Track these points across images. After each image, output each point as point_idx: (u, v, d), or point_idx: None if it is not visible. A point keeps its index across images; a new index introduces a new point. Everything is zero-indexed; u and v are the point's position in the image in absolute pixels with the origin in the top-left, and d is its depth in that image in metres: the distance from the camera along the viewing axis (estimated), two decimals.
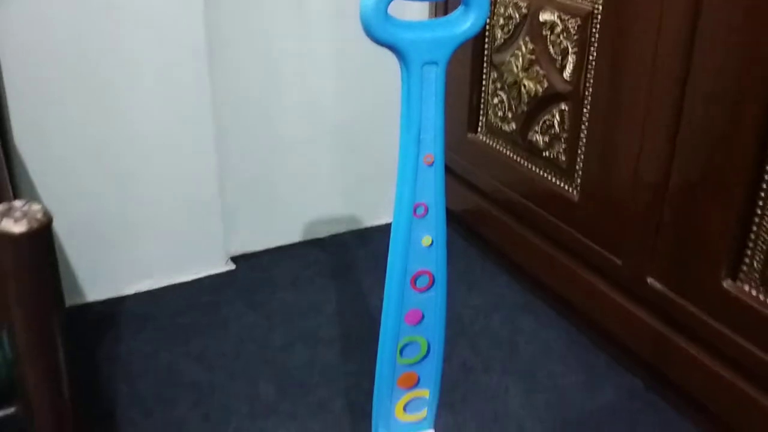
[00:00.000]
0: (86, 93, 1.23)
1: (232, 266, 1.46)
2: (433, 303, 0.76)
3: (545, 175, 1.29)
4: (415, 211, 0.71)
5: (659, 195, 1.05)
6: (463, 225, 1.55)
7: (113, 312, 1.32)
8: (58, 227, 1.28)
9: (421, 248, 0.73)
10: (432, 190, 0.71)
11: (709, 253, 1.00)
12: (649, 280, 1.10)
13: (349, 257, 1.50)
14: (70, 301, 1.33)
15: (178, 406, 1.10)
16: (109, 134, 1.28)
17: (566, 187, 1.24)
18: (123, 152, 1.30)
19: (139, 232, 1.36)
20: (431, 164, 0.69)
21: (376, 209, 1.59)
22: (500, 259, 1.46)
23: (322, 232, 1.57)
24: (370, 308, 1.33)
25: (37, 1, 1.15)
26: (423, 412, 0.84)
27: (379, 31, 0.64)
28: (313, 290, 1.39)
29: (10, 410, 0.69)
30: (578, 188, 1.22)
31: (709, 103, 0.96)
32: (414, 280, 0.74)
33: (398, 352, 0.78)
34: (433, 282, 0.75)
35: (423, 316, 0.76)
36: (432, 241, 0.73)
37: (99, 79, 1.23)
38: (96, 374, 1.17)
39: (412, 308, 0.76)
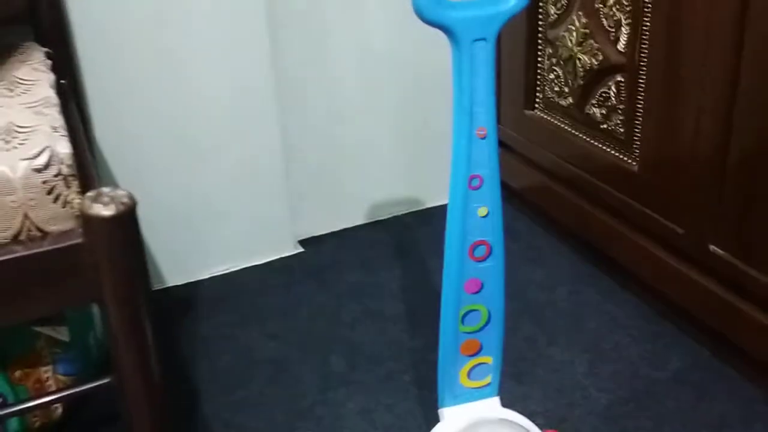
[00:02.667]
0: (159, 77, 1.30)
1: (300, 249, 1.52)
2: (492, 272, 0.79)
3: (604, 147, 1.29)
4: (470, 183, 0.74)
5: (720, 162, 1.05)
6: (525, 201, 1.57)
7: (192, 295, 1.40)
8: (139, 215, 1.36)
9: (477, 219, 0.76)
10: (486, 162, 0.73)
11: None
12: (712, 247, 1.10)
13: (410, 238, 1.54)
14: (151, 285, 1.41)
15: (256, 381, 1.17)
16: (184, 126, 1.35)
17: (626, 159, 1.25)
18: (196, 143, 1.37)
19: (211, 219, 1.43)
20: (484, 137, 0.72)
21: (436, 189, 1.62)
22: (563, 233, 1.47)
23: (384, 214, 1.61)
24: (433, 286, 1.37)
25: None
26: (487, 379, 0.87)
27: (429, 12, 0.67)
28: (377, 270, 1.44)
29: (105, 380, 0.76)
30: (638, 159, 1.22)
31: (765, 69, 0.95)
32: (472, 250, 0.77)
33: (459, 320, 0.81)
34: (490, 252, 0.78)
35: (482, 285, 0.80)
36: (488, 212, 0.76)
37: (172, 61, 1.30)
38: (178, 354, 1.25)
39: (471, 277, 0.79)
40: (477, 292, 0.80)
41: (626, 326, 1.24)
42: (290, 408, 1.11)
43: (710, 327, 1.15)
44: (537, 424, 1.04)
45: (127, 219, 0.70)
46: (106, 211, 0.69)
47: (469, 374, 0.86)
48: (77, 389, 0.81)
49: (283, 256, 1.50)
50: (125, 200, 0.71)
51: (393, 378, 1.15)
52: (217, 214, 1.43)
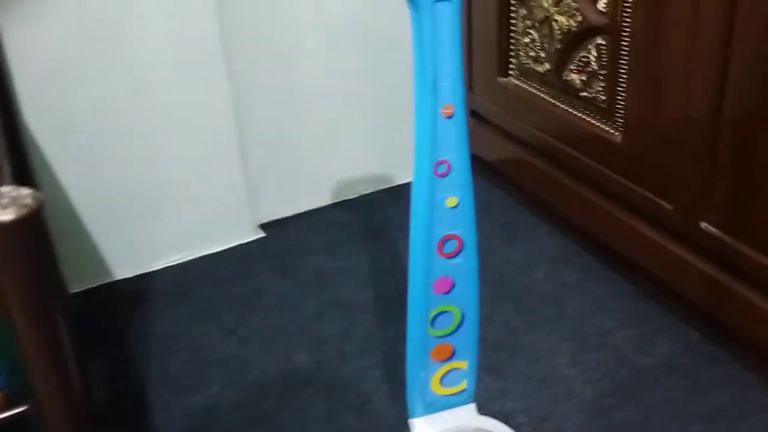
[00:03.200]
0: (98, 63, 1.18)
1: (261, 234, 1.41)
2: (464, 269, 0.69)
3: (584, 116, 1.20)
4: (436, 169, 0.64)
5: (711, 131, 0.96)
6: (500, 175, 1.47)
7: (143, 288, 1.29)
8: (81, 205, 1.25)
9: (445, 210, 0.66)
10: (454, 145, 0.63)
11: None
12: (703, 224, 1.01)
13: (381, 217, 1.44)
14: (98, 280, 1.30)
15: (211, 384, 1.07)
16: (125, 106, 1.22)
17: (608, 129, 1.15)
18: (140, 124, 1.24)
19: (163, 205, 1.31)
20: (451, 116, 0.62)
21: (407, 165, 1.52)
22: (539, 209, 1.38)
23: (352, 193, 1.51)
24: (405, 269, 1.27)
25: None
26: (462, 385, 0.78)
27: None
28: (345, 254, 1.34)
29: (21, 409, 0.66)
30: (621, 129, 1.13)
31: (763, 24, 0.85)
32: (441, 246, 0.68)
33: (429, 322, 0.72)
34: (462, 247, 0.68)
35: (454, 284, 0.70)
36: (458, 202, 0.66)
37: (112, 45, 1.17)
38: (127, 354, 1.14)
39: (441, 276, 0.69)
40: (448, 292, 0.71)
41: (610, 308, 1.16)
42: (250, 413, 1.02)
43: (700, 308, 1.07)
44: (519, 424, 0.96)
45: (32, 223, 0.60)
46: (4, 215, 0.58)
47: (441, 380, 0.77)
48: None
49: (242, 242, 1.39)
50: (28, 201, 0.60)
51: (363, 375, 1.06)
52: (169, 200, 1.32)
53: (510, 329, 1.14)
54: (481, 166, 1.54)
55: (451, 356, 0.75)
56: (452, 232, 0.67)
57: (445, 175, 0.64)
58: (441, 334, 0.73)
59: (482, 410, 0.93)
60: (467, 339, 0.75)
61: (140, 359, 1.13)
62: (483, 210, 1.44)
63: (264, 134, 1.38)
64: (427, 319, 0.71)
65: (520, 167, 1.39)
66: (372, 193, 1.52)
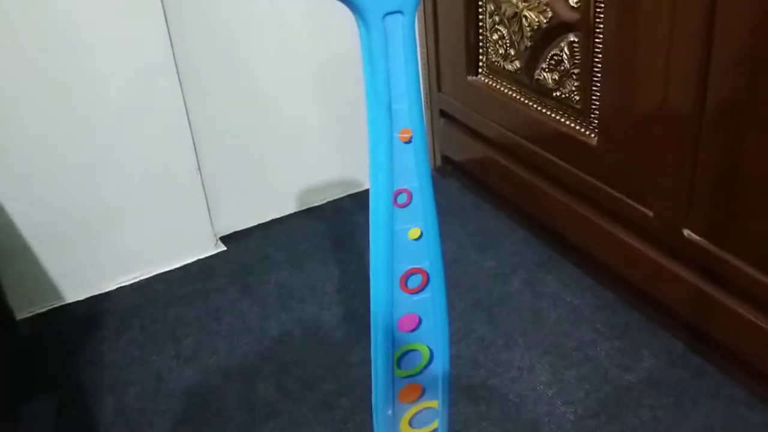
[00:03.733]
0: (44, 70, 1.09)
1: (222, 248, 1.34)
2: (430, 305, 0.63)
3: (558, 117, 1.13)
4: (395, 199, 0.57)
5: (693, 132, 0.90)
6: (471, 178, 1.41)
7: (96, 312, 1.21)
8: (26, 224, 1.16)
9: (408, 243, 0.59)
10: (414, 172, 0.56)
11: (755, 198, 0.85)
12: (686, 231, 0.96)
13: (348, 224, 1.37)
14: (47, 303, 1.22)
15: (168, 418, 1.00)
16: (76, 118, 1.14)
17: (582, 130, 1.09)
18: (90, 136, 1.16)
19: (116, 222, 1.23)
20: (409, 141, 0.55)
21: None
22: (514, 213, 1.32)
23: (316, 200, 1.43)
24: None
25: None
26: (433, 425, 0.71)
27: None
28: (311, 266, 1.27)
29: None
30: (596, 130, 1.06)
31: (749, 13, 0.79)
32: (404, 281, 0.61)
33: (395, 363, 0.65)
34: (427, 281, 0.61)
35: (420, 321, 0.63)
36: (421, 233, 0.59)
37: (58, 42, 1.09)
38: (79, 384, 1.06)
39: (406, 313, 0.62)
40: (413, 330, 0.64)
41: (590, 319, 1.11)
42: None
43: (685, 318, 1.02)
44: None
45: None
46: None
47: (410, 422, 0.70)
48: None
49: (201, 257, 1.31)
50: None
51: (330, 404, 1.00)
52: (123, 215, 1.23)
53: (485, 345, 1.07)
54: (451, 168, 1.47)
55: (420, 396, 0.69)
56: (416, 266, 0.60)
57: (405, 206, 0.57)
58: (408, 374, 0.66)
59: None
60: (437, 377, 0.68)
61: (92, 390, 1.05)
62: (454, 214, 1.38)
63: (222, 142, 1.30)
64: (392, 359, 0.65)
65: (492, 169, 1.32)
66: (339, 199, 1.45)
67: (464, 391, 0.99)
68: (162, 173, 1.24)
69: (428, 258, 0.61)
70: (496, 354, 1.06)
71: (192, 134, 1.24)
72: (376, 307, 0.62)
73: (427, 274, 0.61)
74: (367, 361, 1.06)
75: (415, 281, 0.61)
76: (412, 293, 0.62)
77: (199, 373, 1.07)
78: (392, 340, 0.64)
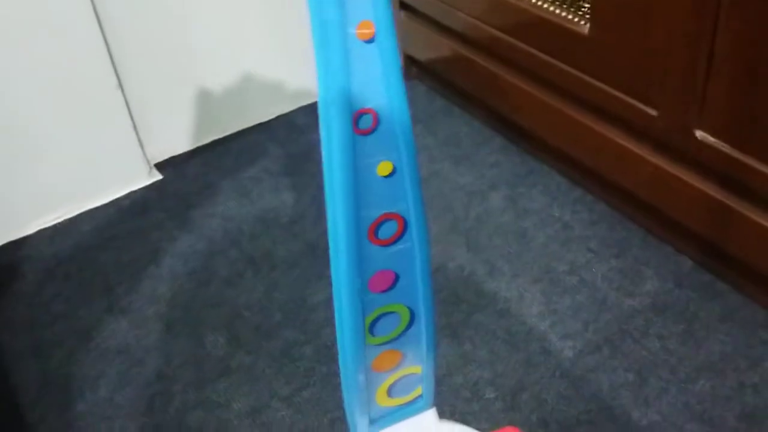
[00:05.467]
0: None
1: (157, 176, 1.16)
2: (408, 257, 0.48)
3: (539, 1, 0.96)
4: (356, 124, 0.41)
5: (707, 16, 0.74)
6: (438, 78, 1.24)
7: (14, 260, 1.04)
8: None
9: (376, 180, 0.43)
10: (380, 83, 0.40)
11: None
12: (698, 133, 0.81)
13: (303, 143, 1.20)
14: None
15: (102, 382, 0.85)
16: None
17: (571, 17, 0.92)
18: None
19: (30, 154, 1.04)
20: (371, 39, 0.38)
21: None
22: (490, 119, 1.16)
23: (266, 115, 1.25)
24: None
25: None
26: (416, 391, 0.58)
27: None
28: (262, 193, 1.10)
29: None
30: (587, 16, 0.90)
31: None
32: (374, 230, 0.45)
33: (366, 330, 0.51)
34: (404, 228, 0.46)
35: (396, 278, 0.48)
36: (394, 168, 0.43)
37: None
38: None
39: (378, 270, 0.47)
40: (389, 289, 0.49)
41: (584, 237, 0.97)
42: (152, 417, 0.81)
43: (693, 231, 0.89)
44: (488, 401, 0.78)
45: None
46: None
47: (389, 391, 0.57)
48: None
49: (134, 188, 1.14)
50: None
51: (291, 355, 0.86)
52: (36, 147, 1.05)
53: (466, 276, 0.94)
54: (417, 69, 1.30)
55: (399, 363, 0.55)
56: (389, 211, 0.45)
57: (370, 132, 0.41)
58: (384, 340, 0.52)
59: (442, 387, 0.75)
60: (420, 339, 0.54)
61: (13, 354, 0.90)
62: (422, 122, 1.21)
63: (146, 50, 1.10)
64: (363, 326, 0.50)
65: (463, 68, 1.15)
66: (290, 113, 1.26)
67: (445, 331, 0.86)
68: (77, 92, 1.05)
69: (405, 199, 0.45)
70: (478, 285, 0.92)
71: (106, 42, 1.03)
72: (338, 265, 0.47)
73: (404, 220, 0.46)
74: (331, 302, 0.92)
75: (388, 230, 0.46)
76: (386, 245, 0.47)
77: (137, 327, 0.92)
78: (361, 305, 0.49)
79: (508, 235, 0.99)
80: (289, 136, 1.22)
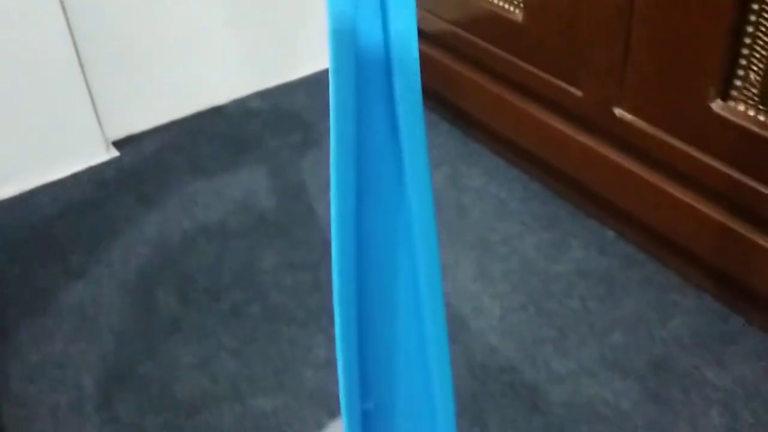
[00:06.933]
0: None
1: (114, 153, 1.20)
2: None
3: None
4: None
5: (625, 8, 0.82)
6: None
7: None
8: None
9: None
10: None
11: (691, 70, 0.79)
12: (617, 111, 0.89)
13: (257, 127, 1.25)
14: None
15: (58, 337, 0.89)
16: None
17: (506, 6, 1.00)
18: None
19: None
20: None
21: (289, 60, 1.33)
22: (433, 102, 1.23)
23: (222, 99, 1.30)
24: (287, 186, 1.11)
25: None
26: None
27: None
28: (216, 171, 1.15)
29: None
30: (521, 6, 0.97)
31: None
32: None
33: None
34: None
35: None
36: None
37: None
38: None
39: None
40: None
41: (517, 212, 1.04)
42: (105, 370, 0.85)
43: (615, 205, 0.96)
44: None
45: None
46: None
47: None
48: None
49: (91, 164, 1.18)
50: None
51: (238, 313, 0.91)
52: None
53: None
54: None
55: None
56: None
57: None
58: None
59: None
60: None
61: None
62: None
63: (106, 28, 1.14)
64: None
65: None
66: (244, 97, 1.32)
67: None
68: (38, 68, 1.08)
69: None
70: None
71: (68, 20, 1.08)
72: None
73: None
74: (279, 266, 0.97)
75: None
76: None
77: (92, 287, 0.96)
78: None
79: (448, 209, 1.05)
80: (244, 119, 1.27)
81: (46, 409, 0.81)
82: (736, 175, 0.79)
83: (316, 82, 1.34)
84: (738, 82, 0.76)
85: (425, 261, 0.44)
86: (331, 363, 0.82)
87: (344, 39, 0.38)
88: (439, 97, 1.20)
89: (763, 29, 0.72)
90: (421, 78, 0.39)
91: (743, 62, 0.75)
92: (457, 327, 0.87)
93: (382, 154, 0.43)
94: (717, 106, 0.78)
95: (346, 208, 0.41)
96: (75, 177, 1.16)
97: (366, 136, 0.41)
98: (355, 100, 0.40)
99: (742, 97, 0.77)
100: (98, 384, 0.83)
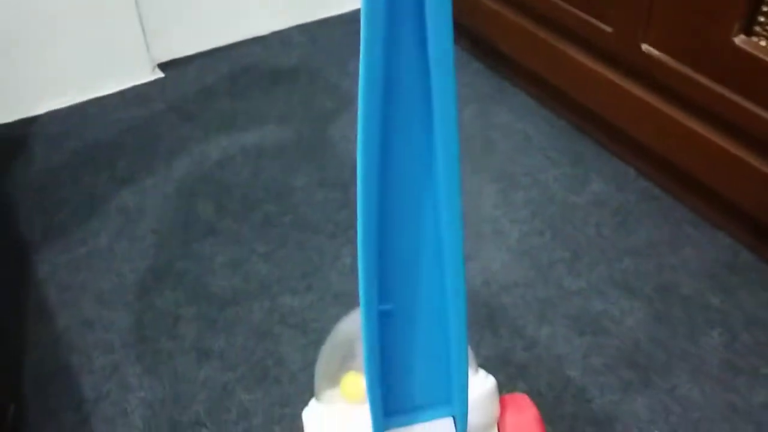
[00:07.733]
0: None
1: (160, 74, 1.26)
2: None
3: None
4: None
5: None
6: None
7: (24, 134, 1.14)
8: None
9: None
10: None
11: (716, 4, 0.81)
12: (644, 47, 0.92)
13: (294, 57, 1.30)
14: None
15: (103, 234, 0.96)
16: None
17: None
18: None
19: (47, 41, 1.14)
20: None
21: None
22: (465, 40, 1.26)
23: (262, 30, 1.35)
24: (320, 114, 1.16)
25: None
26: None
27: None
28: (255, 97, 1.20)
29: None
30: None
31: None
32: None
33: None
34: None
35: None
36: None
37: None
38: (7, 203, 1.01)
39: None
40: None
41: (543, 147, 1.08)
42: (146, 264, 0.92)
43: (639, 142, 0.99)
44: None
45: None
46: None
47: None
48: None
49: (138, 83, 1.24)
50: None
51: (270, 223, 0.97)
52: (53, 35, 1.14)
53: None
54: None
55: None
56: None
57: None
58: None
59: None
60: None
61: (22, 209, 1.00)
62: None
63: None
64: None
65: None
66: (284, 30, 1.36)
67: None
68: None
69: None
70: None
71: None
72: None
73: None
74: (311, 185, 1.02)
75: None
76: None
77: (135, 193, 1.02)
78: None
79: (474, 143, 1.09)
80: (283, 50, 1.31)
81: (92, 295, 0.88)
82: (756, 109, 0.82)
83: (352, 20, 1.38)
84: (762, 18, 0.79)
85: (446, 176, 0.45)
86: (356, 270, 0.87)
87: None
88: (471, 36, 1.24)
89: None
90: (453, 15, 0.41)
91: None
92: (476, 245, 0.92)
93: (411, 85, 0.43)
94: (740, 40, 0.80)
95: (372, 135, 0.43)
96: (122, 94, 1.22)
97: (394, 67, 0.42)
98: (386, 28, 0.40)
99: (765, 33, 0.79)
100: (139, 276, 0.90)
